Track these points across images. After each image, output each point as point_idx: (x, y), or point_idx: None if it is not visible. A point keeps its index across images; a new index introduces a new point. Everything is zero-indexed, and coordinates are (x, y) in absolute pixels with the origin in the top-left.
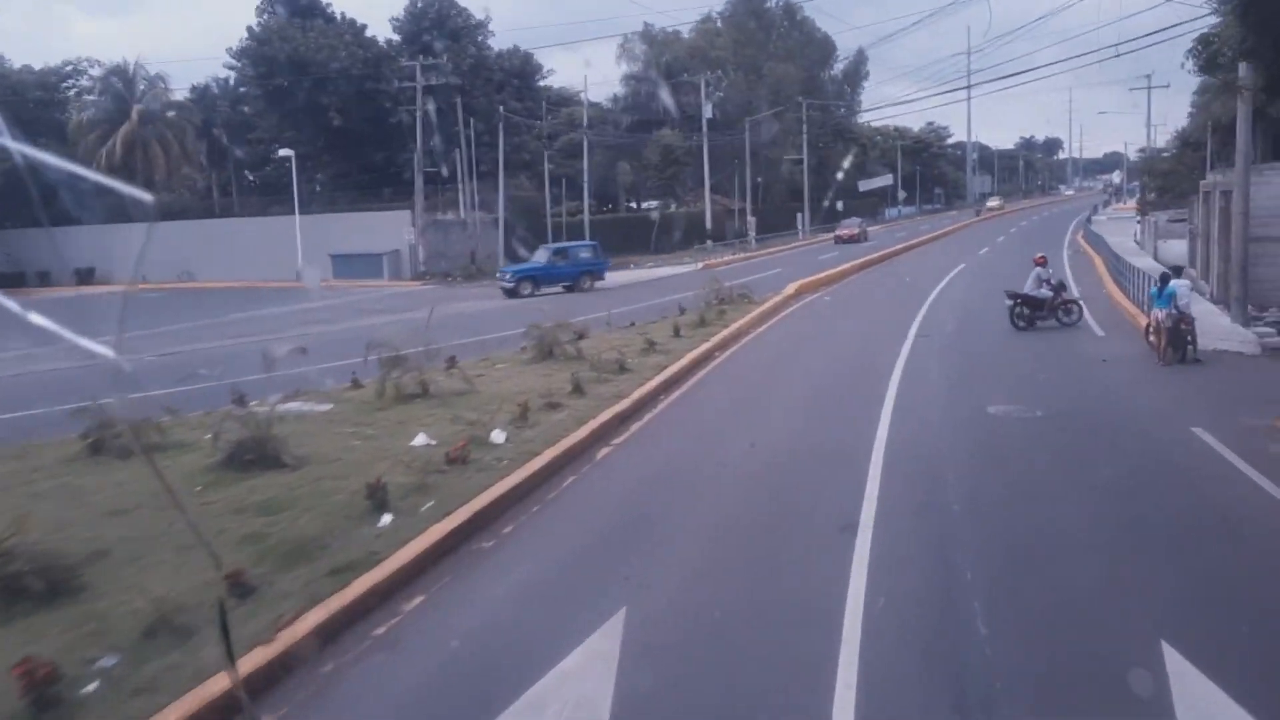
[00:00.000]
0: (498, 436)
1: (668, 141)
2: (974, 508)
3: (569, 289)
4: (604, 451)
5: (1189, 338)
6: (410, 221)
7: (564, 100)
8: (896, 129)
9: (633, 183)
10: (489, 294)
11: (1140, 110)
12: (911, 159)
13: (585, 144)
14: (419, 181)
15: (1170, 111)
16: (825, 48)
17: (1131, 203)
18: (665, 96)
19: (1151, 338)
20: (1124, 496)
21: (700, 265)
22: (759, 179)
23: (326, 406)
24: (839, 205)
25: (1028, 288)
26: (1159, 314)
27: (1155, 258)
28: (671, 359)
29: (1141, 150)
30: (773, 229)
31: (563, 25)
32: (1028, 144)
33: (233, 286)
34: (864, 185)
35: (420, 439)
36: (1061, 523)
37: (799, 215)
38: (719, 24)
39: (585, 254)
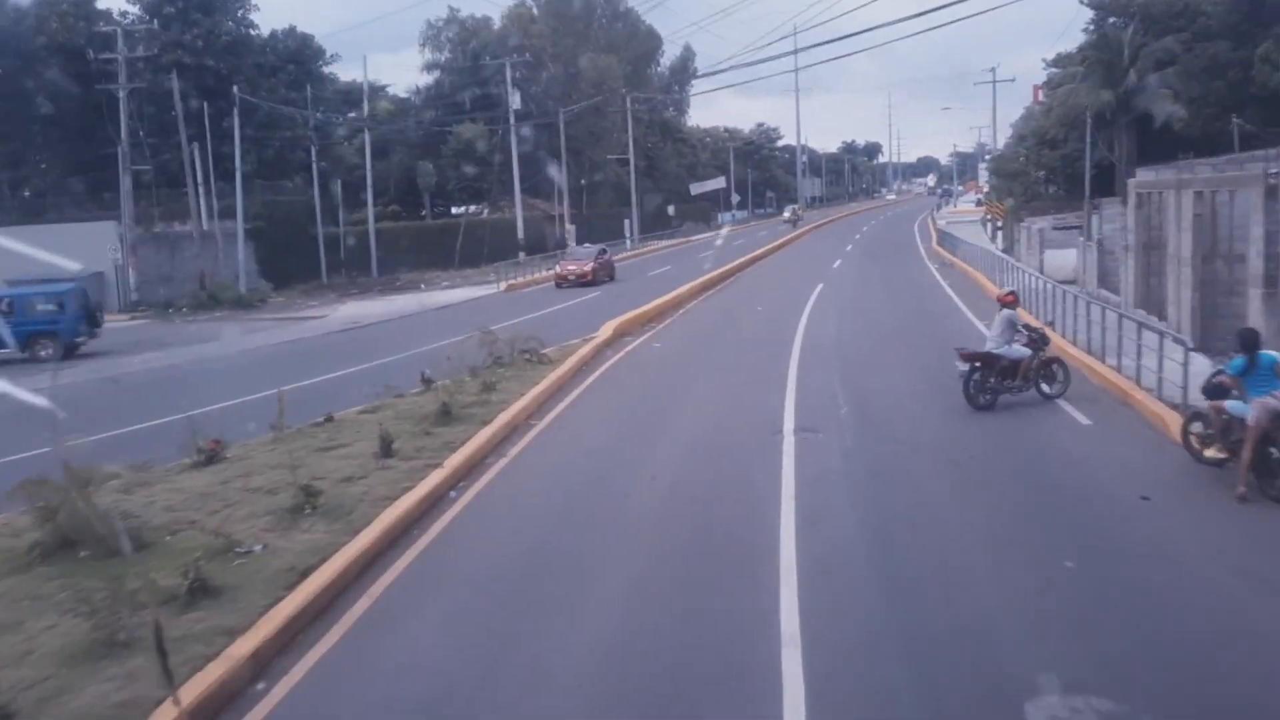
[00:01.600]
0: None
1: (470, 137)
2: None
3: (26, 356)
4: None
5: None
6: (117, 234)
7: (366, 94)
8: (727, 130)
9: (437, 185)
10: (205, 333)
11: (957, 115)
12: (744, 162)
13: (367, 138)
14: (125, 183)
15: (1002, 113)
16: (651, 42)
17: (967, 206)
18: (473, 88)
19: (1210, 451)
20: None
21: (504, 285)
22: (583, 181)
23: None
24: (670, 209)
25: (991, 342)
26: (1259, 414)
27: (1042, 271)
28: (339, 535)
29: (956, 154)
30: (599, 238)
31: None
32: (850, 148)
33: None
34: (696, 188)
35: None
36: None
37: (627, 222)
38: (534, 10)
39: (44, 306)
